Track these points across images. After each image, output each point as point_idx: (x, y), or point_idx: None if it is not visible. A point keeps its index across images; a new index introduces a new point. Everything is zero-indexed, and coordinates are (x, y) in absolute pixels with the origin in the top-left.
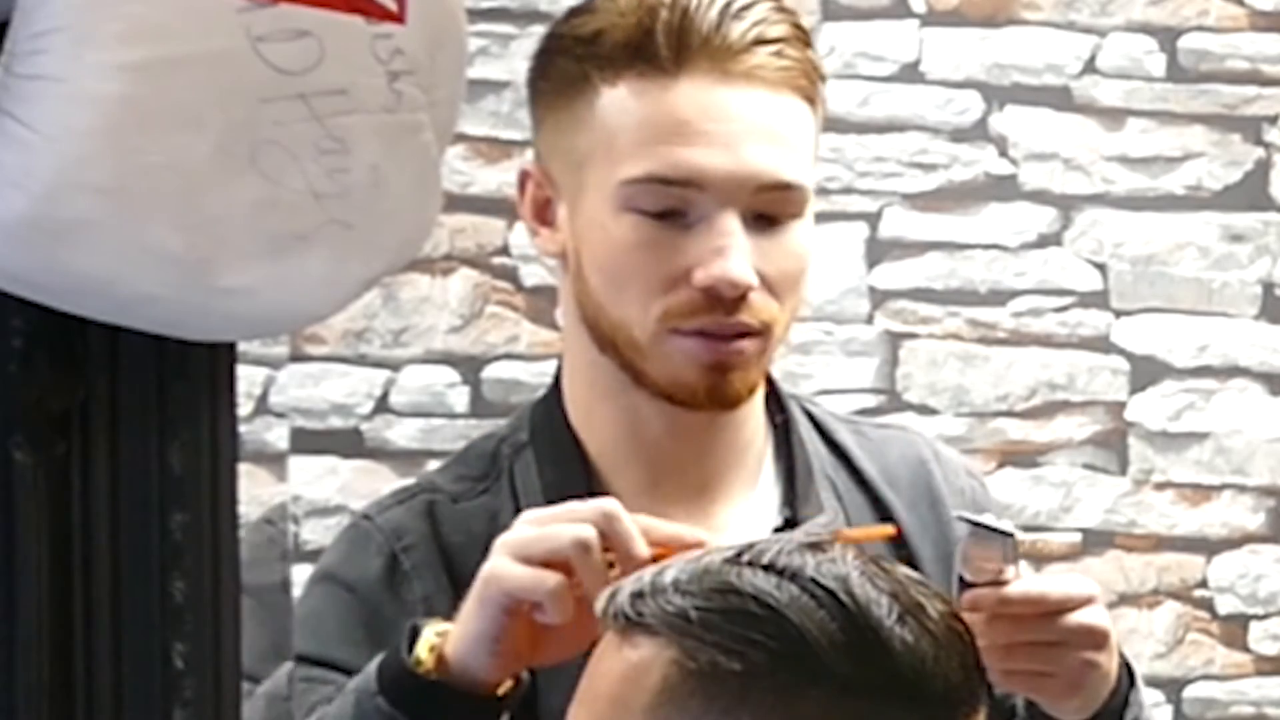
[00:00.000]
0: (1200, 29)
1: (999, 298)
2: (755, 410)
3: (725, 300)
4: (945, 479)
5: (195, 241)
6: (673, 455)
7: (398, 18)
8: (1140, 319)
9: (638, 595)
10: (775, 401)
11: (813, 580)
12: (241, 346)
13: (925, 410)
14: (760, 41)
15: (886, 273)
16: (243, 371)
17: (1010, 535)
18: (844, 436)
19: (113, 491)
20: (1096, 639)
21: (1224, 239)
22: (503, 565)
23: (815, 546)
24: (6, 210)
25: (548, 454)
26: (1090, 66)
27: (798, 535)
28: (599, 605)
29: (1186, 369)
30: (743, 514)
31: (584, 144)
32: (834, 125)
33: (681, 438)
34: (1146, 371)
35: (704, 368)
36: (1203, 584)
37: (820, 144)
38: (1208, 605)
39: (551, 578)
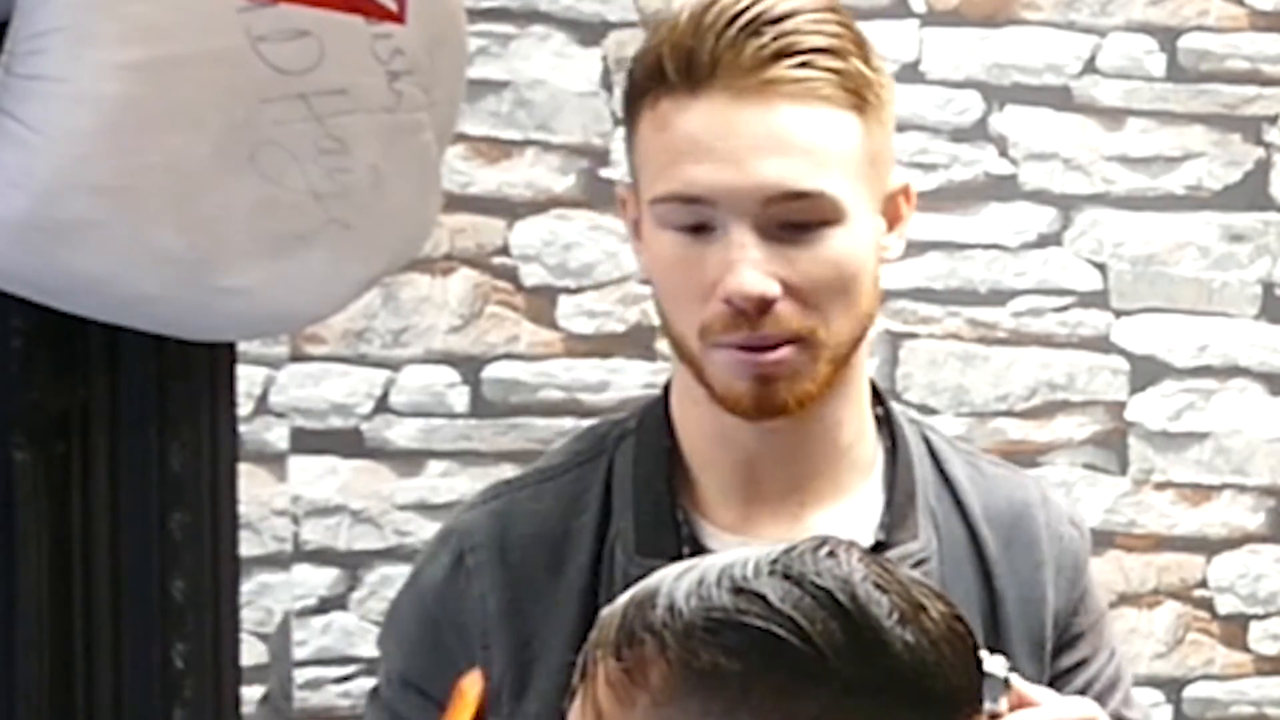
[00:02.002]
0: (1200, 29)
1: (999, 298)
2: (853, 419)
3: (748, 312)
4: (1048, 524)
5: (195, 241)
6: (760, 458)
7: (398, 18)
8: (1140, 319)
9: (639, 601)
10: (887, 423)
11: (814, 582)
12: (241, 346)
13: (925, 410)
14: (783, 54)
15: (886, 273)
16: (243, 371)
17: (998, 678)
18: (956, 469)
19: (113, 491)
20: None
21: (1224, 239)
22: None
23: (819, 548)
24: (6, 210)
25: (646, 445)
26: (1090, 66)
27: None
28: (594, 635)
29: (1186, 369)
30: (835, 522)
31: (636, 164)
32: None
33: (767, 442)
34: (1146, 371)
35: (749, 380)
36: (1203, 584)
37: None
38: (1208, 605)
39: None
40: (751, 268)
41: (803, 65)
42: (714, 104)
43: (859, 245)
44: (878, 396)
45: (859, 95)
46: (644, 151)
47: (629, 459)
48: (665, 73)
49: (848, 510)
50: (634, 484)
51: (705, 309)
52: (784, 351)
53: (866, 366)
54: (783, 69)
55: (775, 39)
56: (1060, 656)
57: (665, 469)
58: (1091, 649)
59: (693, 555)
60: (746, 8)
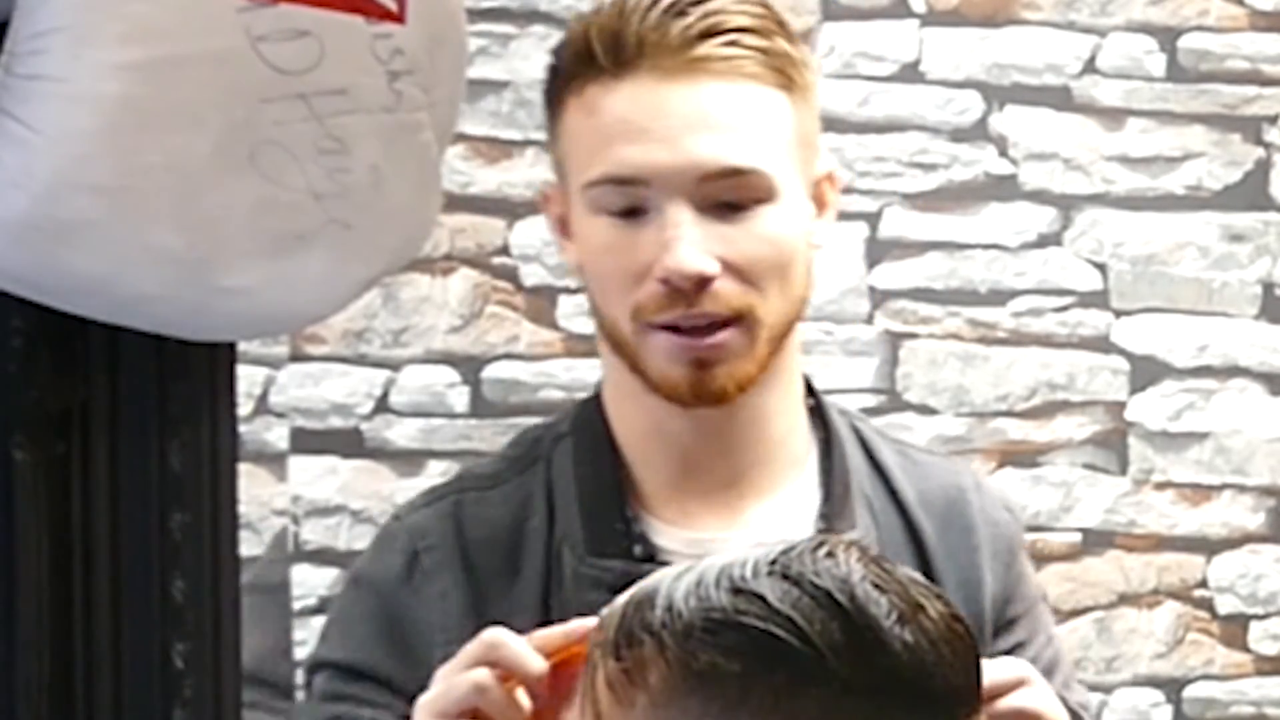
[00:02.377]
0: (1200, 29)
1: (999, 298)
2: (787, 410)
3: (685, 291)
4: (982, 509)
5: (195, 241)
6: (697, 451)
7: (398, 18)
8: (1140, 319)
9: (638, 601)
10: (819, 415)
11: (813, 582)
12: (241, 346)
13: (925, 410)
14: (709, 34)
15: (886, 273)
16: (243, 371)
17: None
18: (887, 456)
19: (113, 491)
20: None
21: (1224, 239)
22: None
23: (818, 548)
24: (7, 210)
25: (584, 446)
26: (1090, 66)
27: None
28: (594, 635)
29: (1186, 369)
30: (773, 514)
31: (561, 155)
32: (834, 125)
33: (703, 434)
34: (1146, 371)
35: (686, 364)
36: (1203, 584)
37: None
38: (1208, 605)
39: None
40: (689, 245)
41: (730, 44)
42: (642, 84)
43: (793, 225)
44: (809, 388)
45: (786, 74)
46: (572, 139)
47: (567, 460)
48: (592, 57)
49: (785, 501)
50: (577, 485)
51: (640, 290)
52: (722, 335)
53: (799, 359)
54: (710, 47)
55: (701, 19)
56: (998, 640)
57: (608, 467)
58: (1028, 632)
59: (644, 553)
60: None
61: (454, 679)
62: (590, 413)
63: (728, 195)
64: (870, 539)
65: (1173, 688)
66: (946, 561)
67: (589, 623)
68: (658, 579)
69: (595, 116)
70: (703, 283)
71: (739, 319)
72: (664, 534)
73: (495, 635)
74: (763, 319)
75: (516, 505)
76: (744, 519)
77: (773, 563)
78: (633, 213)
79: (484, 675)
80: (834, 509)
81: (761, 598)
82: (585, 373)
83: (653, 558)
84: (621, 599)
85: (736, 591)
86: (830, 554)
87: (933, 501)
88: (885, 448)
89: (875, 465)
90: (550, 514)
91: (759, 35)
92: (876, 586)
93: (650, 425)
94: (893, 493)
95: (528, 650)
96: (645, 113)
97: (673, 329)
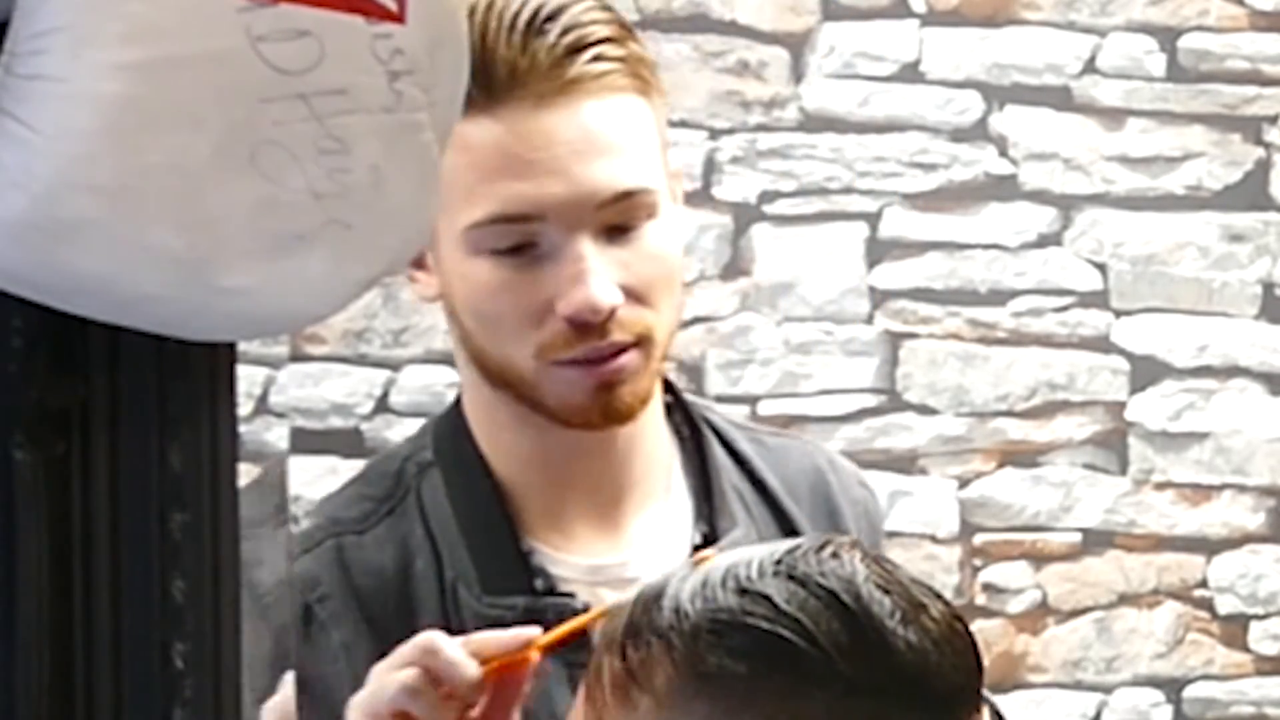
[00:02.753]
0: (1200, 29)
1: (999, 298)
2: (657, 421)
3: (593, 325)
4: (842, 489)
5: (195, 241)
6: (579, 475)
7: (398, 18)
8: (1140, 319)
9: (644, 602)
10: (681, 412)
11: (819, 583)
12: (241, 346)
13: (925, 410)
14: (574, 50)
15: (886, 273)
16: (243, 371)
17: None
18: (744, 446)
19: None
20: None
21: (1224, 239)
22: None
23: (822, 548)
24: (6, 210)
25: (456, 476)
26: (1090, 66)
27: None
28: (600, 634)
29: (1186, 369)
30: (653, 528)
31: None
32: (834, 125)
33: (586, 457)
34: (1146, 371)
35: (590, 390)
36: (1203, 584)
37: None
38: (1208, 605)
39: None
40: (599, 279)
41: (596, 59)
42: (518, 112)
43: (674, 234)
44: (666, 385)
45: (644, 79)
46: (443, 178)
47: (439, 494)
48: None
49: (664, 512)
50: (458, 520)
51: (541, 330)
52: (623, 358)
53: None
54: (580, 66)
55: (562, 35)
56: None
57: (489, 500)
58: None
59: (545, 586)
60: (522, 6)
61: (385, 679)
62: (459, 443)
63: (619, 219)
64: (752, 535)
65: (1173, 688)
66: None
67: (530, 632)
68: (665, 579)
69: (470, 152)
70: (610, 314)
71: (638, 342)
72: (560, 563)
73: (430, 639)
74: (658, 338)
75: (396, 548)
76: (628, 537)
77: (778, 563)
78: (520, 249)
79: (414, 677)
80: (713, 508)
81: (768, 599)
82: None
83: (553, 590)
84: (626, 599)
85: (743, 592)
86: (835, 554)
87: (797, 487)
88: (740, 437)
89: (736, 457)
90: (435, 553)
91: (618, 44)
92: (880, 587)
93: (530, 453)
94: (759, 484)
95: (462, 656)
96: (527, 143)
97: (577, 362)
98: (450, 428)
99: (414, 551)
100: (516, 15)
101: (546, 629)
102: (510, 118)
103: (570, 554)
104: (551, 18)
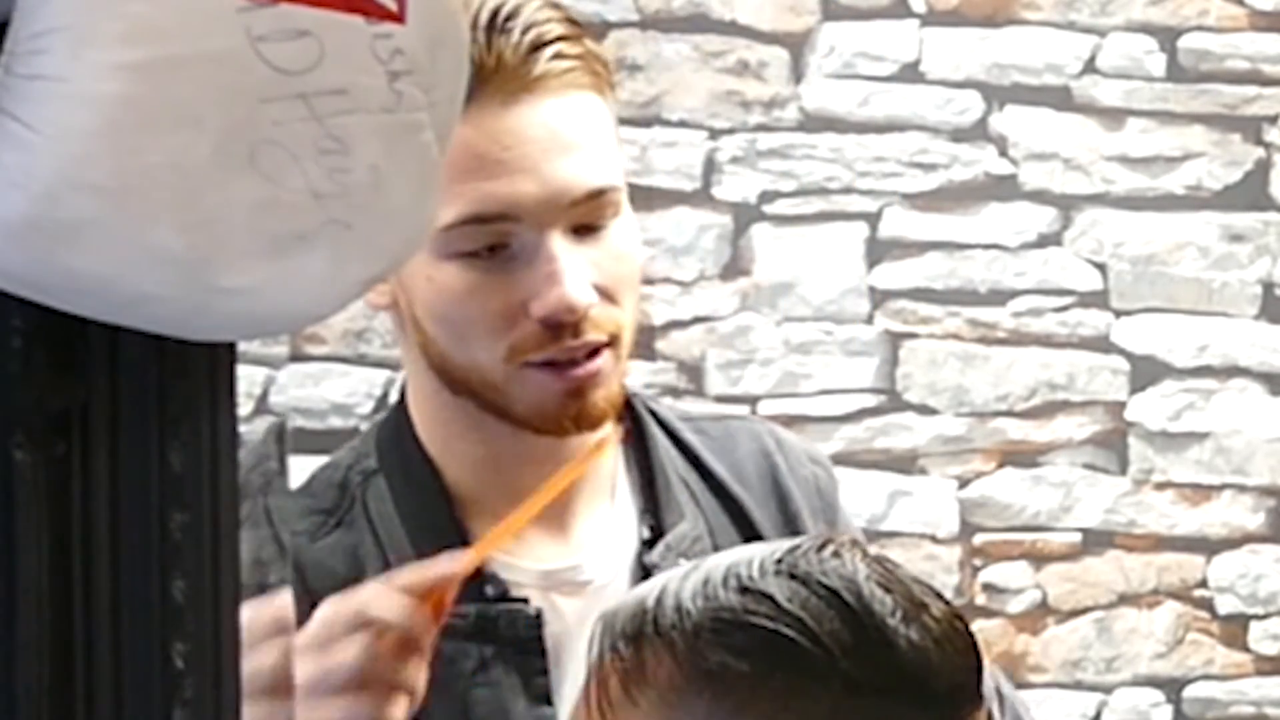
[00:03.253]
0: (1200, 29)
1: (999, 298)
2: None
3: (567, 325)
4: (790, 470)
5: (195, 241)
6: (532, 479)
7: (398, 18)
8: (1140, 319)
9: (645, 601)
10: (625, 406)
11: (820, 581)
12: (241, 346)
13: (925, 410)
14: (535, 48)
15: (886, 273)
16: (243, 371)
17: None
18: (689, 436)
19: (113, 491)
20: None
21: (1224, 239)
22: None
23: (823, 547)
24: (6, 210)
25: (403, 484)
26: (1090, 66)
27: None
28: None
29: (1186, 369)
30: (603, 528)
31: None
32: (834, 125)
33: (539, 461)
34: (1146, 371)
35: (562, 395)
36: (1203, 584)
37: (819, 143)
38: (1208, 605)
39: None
40: (574, 278)
41: (557, 56)
42: (485, 111)
43: (635, 231)
44: None
45: (600, 76)
46: None
47: (386, 502)
48: None
49: (613, 509)
50: (408, 531)
51: (513, 332)
52: (597, 361)
53: None
54: (544, 63)
55: (523, 33)
56: None
57: (439, 508)
58: None
59: (496, 592)
60: (480, 6)
61: (335, 654)
62: (405, 450)
63: (588, 217)
64: (701, 527)
65: (1173, 688)
66: (775, 534)
67: (457, 563)
68: (665, 578)
69: None
70: (584, 313)
71: (609, 343)
72: (511, 569)
73: (358, 601)
74: (625, 337)
75: (346, 558)
76: (578, 539)
77: (779, 562)
78: (491, 250)
79: (366, 640)
80: (660, 503)
81: (770, 597)
82: None
83: (505, 596)
84: (626, 597)
85: (745, 591)
86: (836, 554)
87: (744, 473)
88: (684, 428)
89: (681, 447)
90: (385, 563)
91: (574, 42)
92: (881, 586)
93: (483, 459)
94: (706, 473)
95: (396, 600)
96: (497, 142)
97: (550, 364)
98: (394, 434)
99: (364, 562)
100: (477, 15)
101: (499, 636)
102: (477, 117)
103: (522, 559)
104: (510, 17)
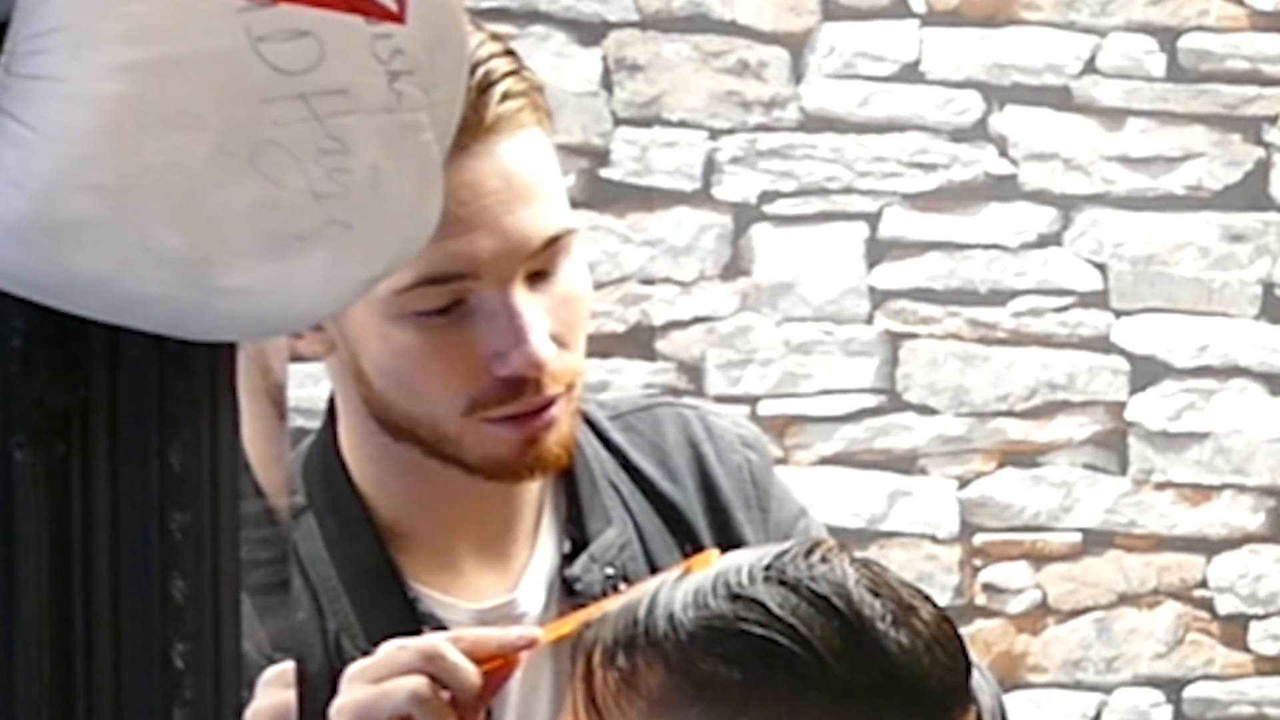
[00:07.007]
0: (1200, 29)
1: (999, 298)
2: None
3: (530, 381)
4: (719, 458)
5: (195, 241)
6: (472, 515)
7: (398, 18)
8: (1140, 319)
9: (634, 610)
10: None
11: (810, 587)
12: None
13: (925, 410)
14: (484, 90)
15: (886, 273)
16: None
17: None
18: (616, 436)
19: (113, 491)
20: None
21: (1224, 239)
22: None
23: (810, 552)
24: (6, 210)
25: (334, 523)
26: (1090, 66)
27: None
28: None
29: (1186, 369)
30: (539, 555)
31: None
32: (834, 125)
33: (478, 497)
34: (1146, 371)
35: (519, 444)
36: (1203, 584)
37: (819, 143)
38: (1208, 605)
39: None
40: (538, 334)
41: (506, 96)
42: None
43: (584, 270)
44: None
45: (541, 109)
46: None
47: (315, 541)
48: None
49: (545, 531)
50: (339, 570)
51: (472, 388)
52: (553, 410)
53: None
54: (495, 107)
55: (470, 73)
56: None
57: (373, 547)
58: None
59: (437, 631)
60: None
61: (389, 685)
62: (335, 488)
63: (542, 265)
64: (629, 532)
65: (1173, 688)
66: (710, 530)
67: (534, 632)
68: (654, 586)
69: None
70: (546, 368)
71: (567, 389)
72: (447, 607)
73: (435, 644)
74: (579, 380)
75: None
76: (516, 571)
77: (768, 569)
78: (447, 308)
79: (423, 685)
80: (583, 510)
81: (761, 604)
82: None
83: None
84: (615, 606)
85: (735, 598)
86: (824, 559)
87: (676, 467)
88: (612, 427)
89: (610, 447)
90: (317, 605)
91: (517, 76)
92: (870, 590)
93: (422, 498)
94: (636, 473)
95: (465, 661)
96: (453, 197)
97: (509, 417)
98: (322, 470)
99: (294, 603)
100: None
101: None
102: None
103: (459, 597)
104: None
